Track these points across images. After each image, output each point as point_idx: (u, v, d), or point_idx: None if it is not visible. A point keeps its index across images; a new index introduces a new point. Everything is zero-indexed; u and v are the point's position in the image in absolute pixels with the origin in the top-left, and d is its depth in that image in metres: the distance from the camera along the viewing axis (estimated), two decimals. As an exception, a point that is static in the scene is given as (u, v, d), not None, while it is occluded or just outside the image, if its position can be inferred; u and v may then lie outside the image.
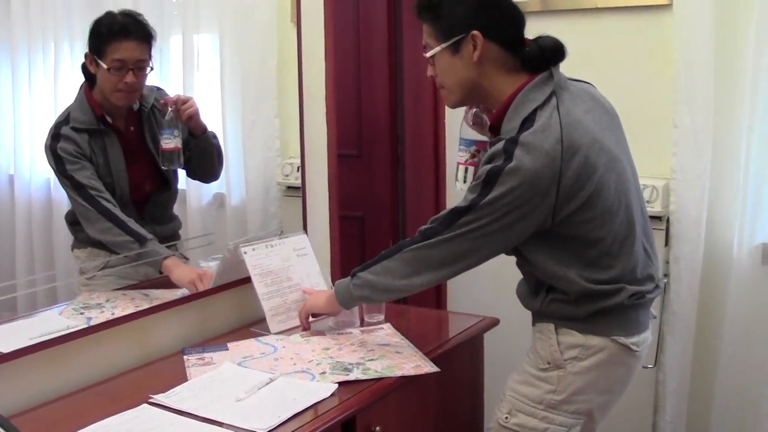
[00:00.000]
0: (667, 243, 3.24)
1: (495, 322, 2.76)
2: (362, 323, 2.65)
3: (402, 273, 2.26)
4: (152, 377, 2.30)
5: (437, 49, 2.21)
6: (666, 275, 3.24)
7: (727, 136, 3.16)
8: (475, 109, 2.37)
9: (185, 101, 2.64)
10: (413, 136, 3.95)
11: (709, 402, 3.26)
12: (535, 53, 2.19)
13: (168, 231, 2.75)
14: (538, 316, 2.30)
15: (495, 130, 2.21)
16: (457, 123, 3.79)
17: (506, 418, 2.27)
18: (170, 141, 2.58)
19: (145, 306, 2.48)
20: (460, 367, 2.63)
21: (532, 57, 2.19)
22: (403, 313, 2.89)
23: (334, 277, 2.96)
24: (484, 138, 2.35)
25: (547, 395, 2.23)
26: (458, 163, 2.43)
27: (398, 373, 2.25)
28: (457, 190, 3.78)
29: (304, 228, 3.01)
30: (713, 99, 3.13)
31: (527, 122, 2.08)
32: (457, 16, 2.18)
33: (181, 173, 2.79)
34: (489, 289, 3.75)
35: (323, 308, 2.54)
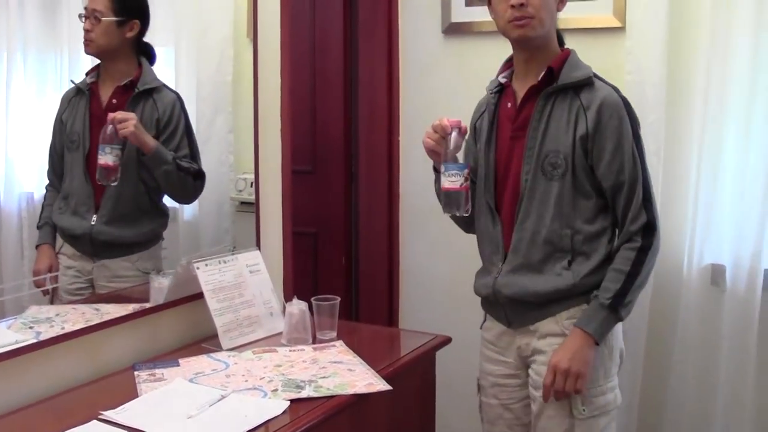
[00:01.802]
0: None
1: (447, 341, 2.76)
2: (314, 340, 2.65)
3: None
4: (103, 393, 2.26)
5: None
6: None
7: (678, 159, 3.21)
8: (454, 133, 2.37)
9: (122, 120, 2.55)
10: (367, 153, 3.96)
11: (659, 420, 3.30)
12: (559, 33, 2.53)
13: (127, 235, 2.69)
14: (565, 299, 2.40)
15: (550, 74, 2.40)
16: (412, 140, 3.84)
17: (583, 410, 2.37)
18: (102, 157, 2.53)
19: (96, 321, 2.45)
20: (412, 385, 2.63)
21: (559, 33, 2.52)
22: (355, 331, 2.89)
23: (287, 294, 2.96)
24: (465, 164, 2.39)
25: (606, 365, 2.42)
26: (452, 189, 2.34)
27: (350, 390, 2.24)
28: (412, 209, 3.84)
29: (258, 244, 2.99)
30: (664, 121, 3.18)
31: (598, 76, 2.41)
32: None
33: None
34: (440, 306, 3.77)
35: (585, 363, 2.37)
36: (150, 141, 2.63)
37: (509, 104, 2.49)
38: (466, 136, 2.46)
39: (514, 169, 2.45)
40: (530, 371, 2.50)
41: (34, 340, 2.26)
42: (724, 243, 3.16)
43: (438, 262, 3.83)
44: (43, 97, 2.60)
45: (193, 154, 2.79)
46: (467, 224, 2.66)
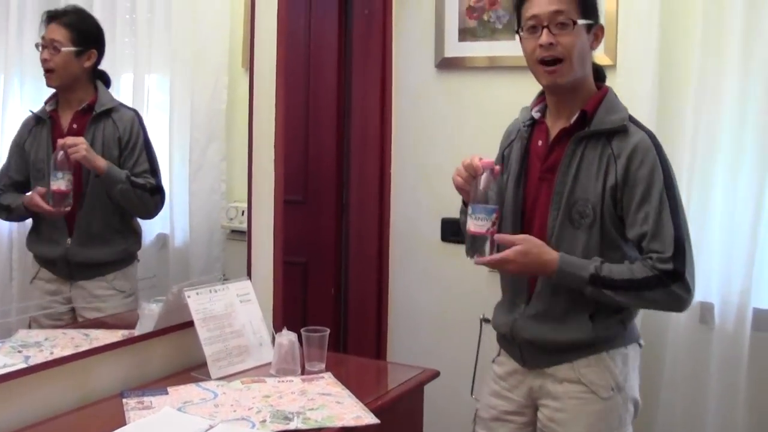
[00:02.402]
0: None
1: (435, 374, 2.75)
2: (303, 371, 2.64)
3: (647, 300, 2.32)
4: (90, 420, 2.25)
5: (583, 21, 2.30)
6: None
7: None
8: (486, 174, 2.27)
9: (72, 145, 2.56)
10: (359, 184, 3.97)
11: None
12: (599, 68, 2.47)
13: (101, 255, 2.70)
14: (584, 348, 2.35)
15: (583, 117, 2.34)
16: (403, 172, 3.85)
17: None
18: (55, 182, 2.52)
19: (86, 346, 2.44)
20: (400, 418, 2.62)
21: (599, 67, 2.46)
22: (343, 362, 2.88)
23: (276, 324, 2.95)
24: (496, 206, 2.29)
25: (621, 413, 2.37)
26: (477, 234, 2.27)
27: (338, 423, 2.23)
28: (402, 240, 3.85)
29: (248, 273, 2.99)
30: (654, 159, 3.19)
31: (633, 120, 2.35)
32: (595, 3, 2.36)
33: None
34: (429, 338, 3.77)
35: (523, 270, 2.32)
36: (101, 163, 2.63)
37: (540, 142, 2.42)
38: (498, 178, 2.35)
39: (541, 213, 2.38)
40: (539, 414, 2.46)
41: (24, 365, 2.25)
42: (712, 281, 3.17)
43: (427, 293, 3.83)
44: (38, 122, 2.61)
45: (153, 169, 2.78)
46: None
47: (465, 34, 3.68)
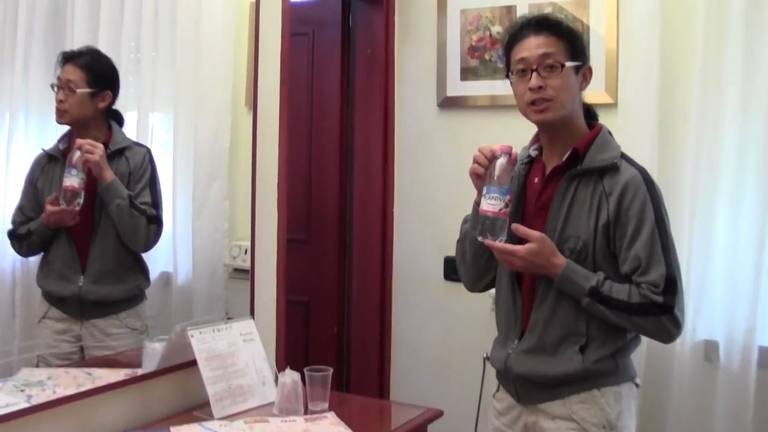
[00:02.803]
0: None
1: (439, 414, 2.73)
2: (306, 411, 2.62)
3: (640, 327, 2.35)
4: (92, 460, 2.24)
5: (571, 63, 2.34)
6: (609, 371, 3.26)
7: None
8: (503, 158, 2.30)
9: (90, 147, 2.58)
10: (361, 223, 3.98)
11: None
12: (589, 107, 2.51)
13: (114, 293, 2.70)
14: (575, 383, 2.35)
15: (575, 156, 2.36)
16: (406, 211, 3.86)
17: None
18: (68, 179, 2.53)
19: (89, 386, 2.42)
20: (404, 458, 2.61)
21: (589, 107, 2.51)
22: (346, 402, 2.87)
23: (279, 363, 2.94)
24: (510, 190, 2.31)
25: None
26: (489, 213, 2.28)
27: (343, 462, 2.22)
28: (405, 279, 3.85)
29: (251, 312, 2.98)
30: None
31: (625, 157, 2.37)
32: (583, 45, 2.42)
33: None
34: (432, 377, 3.75)
35: (529, 267, 2.35)
36: (109, 174, 2.64)
37: (536, 179, 2.46)
38: (516, 166, 2.41)
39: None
40: None
41: (26, 404, 2.23)
42: (716, 319, 3.16)
43: (430, 332, 3.83)
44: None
45: (155, 203, 2.78)
46: (473, 282, 2.63)
47: (467, 73, 3.71)
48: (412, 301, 3.87)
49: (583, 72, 2.42)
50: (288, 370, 2.64)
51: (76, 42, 2.61)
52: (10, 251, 2.55)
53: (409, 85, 3.88)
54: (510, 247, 2.30)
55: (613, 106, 3.37)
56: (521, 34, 2.39)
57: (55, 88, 2.55)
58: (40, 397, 2.29)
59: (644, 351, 3.20)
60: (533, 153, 2.51)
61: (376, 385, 3.88)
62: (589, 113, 2.51)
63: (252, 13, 3.02)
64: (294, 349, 3.45)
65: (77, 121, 2.62)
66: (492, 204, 2.27)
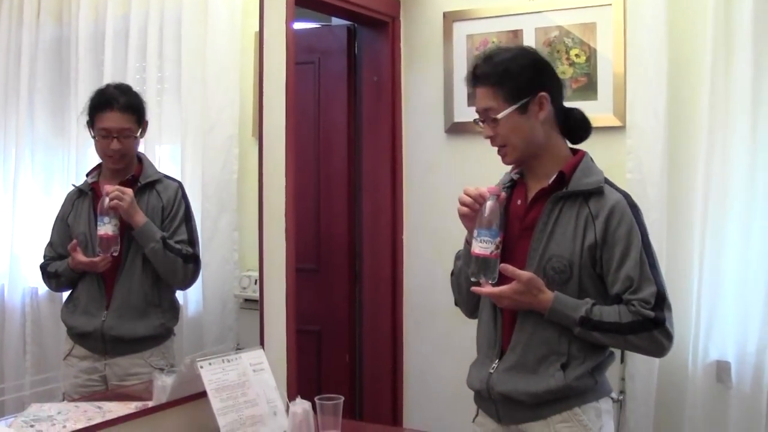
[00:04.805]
0: (622, 360, 3.26)
1: (452, 440, 2.73)
2: (318, 439, 2.62)
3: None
4: (103, 494, 2.23)
5: (508, 110, 2.36)
6: (622, 392, 3.25)
7: (680, 257, 3.22)
8: (491, 201, 2.34)
9: (118, 194, 2.60)
10: (371, 252, 3.98)
11: None
12: (578, 121, 2.49)
13: (138, 330, 2.71)
14: (556, 402, 2.35)
15: (561, 178, 2.38)
16: (415, 239, 3.86)
17: None
18: (102, 227, 2.56)
19: (98, 419, 2.42)
20: (417, 486, 2.59)
21: (576, 125, 2.48)
22: (359, 430, 2.86)
23: (290, 393, 2.93)
24: (500, 231, 2.34)
25: None
26: (481, 255, 2.32)
27: (355, 491, 2.21)
28: (416, 307, 3.83)
29: (261, 342, 2.98)
30: (666, 219, 3.20)
31: (608, 182, 2.40)
32: (524, 80, 2.38)
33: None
34: (445, 405, 3.73)
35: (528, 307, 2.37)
36: (140, 218, 2.67)
37: (519, 201, 2.48)
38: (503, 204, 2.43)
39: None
40: None
41: (36, 440, 2.23)
42: (728, 340, 3.15)
43: (442, 360, 3.81)
44: (50, 194, 2.63)
45: (192, 241, 2.82)
46: (471, 311, 2.65)
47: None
48: (424, 328, 3.86)
49: (536, 103, 2.38)
50: (299, 399, 2.63)
51: (81, 77, 2.63)
52: (21, 286, 2.56)
53: (416, 111, 3.89)
54: (497, 290, 2.34)
55: (621, 129, 3.37)
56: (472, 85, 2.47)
57: (99, 138, 2.60)
58: (50, 432, 2.29)
59: (656, 373, 3.19)
60: (515, 176, 2.54)
61: (389, 412, 3.87)
62: (578, 128, 2.51)
63: (257, 41, 3.04)
64: (306, 378, 3.44)
65: (129, 161, 2.69)
66: (483, 247, 2.32)
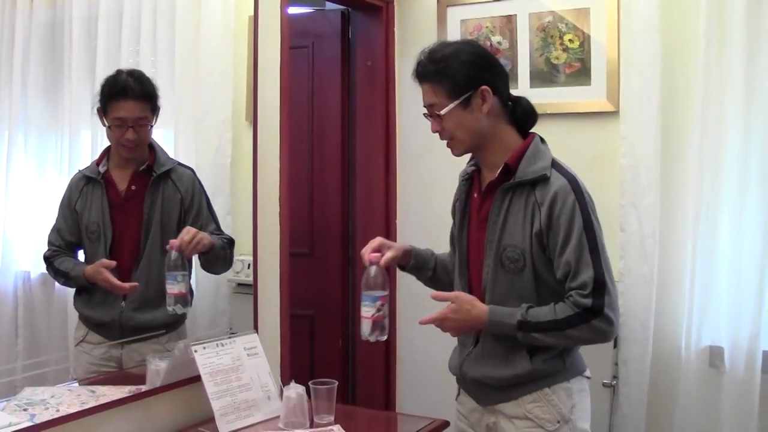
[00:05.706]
0: (615, 345, 3.27)
1: (444, 425, 2.73)
2: (312, 424, 2.61)
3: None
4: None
5: (451, 106, 2.37)
6: (615, 377, 3.26)
7: (673, 241, 3.23)
8: (373, 268, 2.44)
9: (190, 241, 2.64)
10: (364, 237, 3.96)
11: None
12: (526, 111, 2.48)
13: (156, 319, 2.72)
14: (525, 384, 2.39)
15: (507, 170, 2.40)
16: (408, 223, 3.85)
17: None
18: (174, 286, 2.59)
19: (92, 403, 2.42)
20: (411, 470, 2.60)
21: (524, 114, 2.48)
22: (352, 415, 2.87)
23: (284, 377, 2.93)
24: (384, 292, 2.43)
25: None
26: (363, 318, 2.42)
27: (349, 475, 2.21)
28: (409, 291, 3.83)
29: (255, 327, 2.98)
30: (659, 204, 3.21)
31: (556, 166, 2.39)
32: (465, 75, 2.39)
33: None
34: (438, 389, 3.73)
35: (460, 329, 2.46)
36: (209, 239, 2.73)
37: (475, 194, 2.53)
38: (459, 182, 2.57)
39: (479, 260, 2.47)
40: None
41: (29, 423, 2.22)
42: (721, 325, 3.16)
43: (435, 344, 3.78)
44: (43, 177, 2.62)
45: (218, 225, 2.86)
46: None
47: (467, 84, 3.71)
48: (416, 313, 3.84)
49: (479, 96, 2.39)
50: (293, 384, 2.64)
51: (74, 60, 2.62)
52: (13, 269, 2.56)
53: (410, 96, 3.87)
54: (435, 315, 2.41)
55: (615, 114, 3.37)
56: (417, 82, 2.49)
57: (127, 128, 2.60)
58: (43, 415, 2.28)
59: (649, 358, 3.20)
60: (469, 169, 2.58)
61: (382, 397, 3.88)
62: (525, 117, 2.50)
63: (251, 26, 3.03)
64: (300, 362, 3.44)
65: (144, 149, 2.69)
66: (365, 311, 2.41)
